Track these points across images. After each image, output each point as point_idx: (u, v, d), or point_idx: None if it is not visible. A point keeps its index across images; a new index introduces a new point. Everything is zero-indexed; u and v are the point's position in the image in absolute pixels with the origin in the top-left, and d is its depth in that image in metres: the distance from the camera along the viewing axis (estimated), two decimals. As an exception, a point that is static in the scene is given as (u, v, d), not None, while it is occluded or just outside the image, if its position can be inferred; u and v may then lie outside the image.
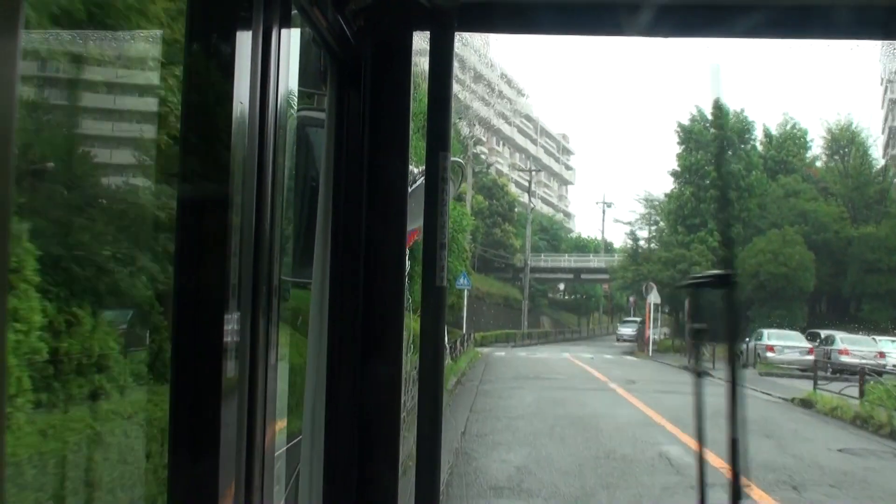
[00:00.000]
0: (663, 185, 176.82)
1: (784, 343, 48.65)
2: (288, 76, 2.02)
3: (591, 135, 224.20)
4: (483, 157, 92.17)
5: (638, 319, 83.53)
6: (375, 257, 2.61)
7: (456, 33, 2.56)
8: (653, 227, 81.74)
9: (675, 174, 72.42)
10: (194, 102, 1.80)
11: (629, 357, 59.54)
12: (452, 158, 2.57)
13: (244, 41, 1.75)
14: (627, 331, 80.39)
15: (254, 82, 1.80)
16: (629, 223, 79.95)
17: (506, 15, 2.70)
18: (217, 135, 1.73)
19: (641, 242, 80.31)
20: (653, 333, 64.38)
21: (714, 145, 66.34)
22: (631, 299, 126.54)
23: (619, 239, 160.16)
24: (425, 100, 2.52)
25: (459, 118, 70.43)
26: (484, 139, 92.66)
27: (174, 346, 1.76)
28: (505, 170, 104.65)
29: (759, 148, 71.16)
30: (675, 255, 67.46)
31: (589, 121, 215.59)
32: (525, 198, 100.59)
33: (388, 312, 2.64)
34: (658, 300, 61.75)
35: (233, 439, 1.74)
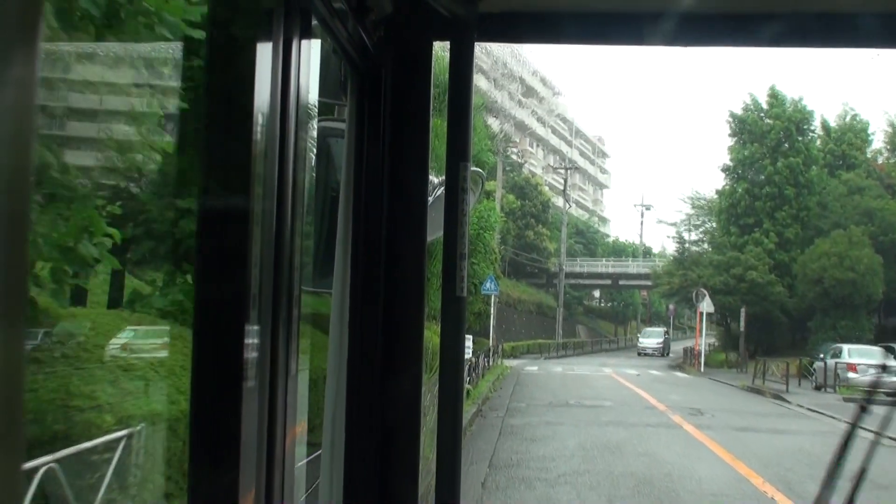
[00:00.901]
0: (710, 183, 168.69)
1: (867, 361, 40.09)
2: (308, 87, 2.03)
3: (627, 135, 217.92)
4: (514, 157, 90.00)
5: (661, 329, 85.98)
6: (396, 267, 2.62)
7: (476, 43, 2.58)
8: (700, 229, 77.04)
9: (726, 169, 66.92)
10: (215, 113, 1.84)
11: (679, 374, 54.84)
12: (472, 168, 2.57)
13: (265, 52, 1.77)
14: (650, 343, 78.62)
15: (274, 93, 1.81)
16: (674, 224, 72.23)
17: (525, 24, 2.72)
18: (238, 146, 1.75)
19: (689, 245, 74.92)
20: (703, 347, 58.91)
21: (771, 136, 61.73)
22: (670, 307, 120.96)
23: (658, 243, 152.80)
24: (445, 109, 2.49)
25: (493, 116, 69.86)
26: (517, 139, 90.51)
27: (195, 356, 1.76)
28: (538, 171, 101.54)
29: (817, 141, 64.56)
30: (728, 258, 61.70)
31: (625, 121, 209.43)
32: (559, 201, 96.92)
33: (408, 322, 2.65)
34: (711, 308, 58.08)
35: (253, 449, 1.76)
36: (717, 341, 59.19)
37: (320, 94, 2.61)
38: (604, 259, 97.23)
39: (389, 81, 2.59)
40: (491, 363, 41.72)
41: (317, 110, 2.64)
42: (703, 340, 56.28)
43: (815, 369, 40.47)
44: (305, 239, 2.32)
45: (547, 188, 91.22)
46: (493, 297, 46.58)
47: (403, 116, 2.61)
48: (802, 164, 61.38)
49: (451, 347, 2.55)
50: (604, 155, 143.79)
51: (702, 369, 53.51)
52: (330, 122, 2.79)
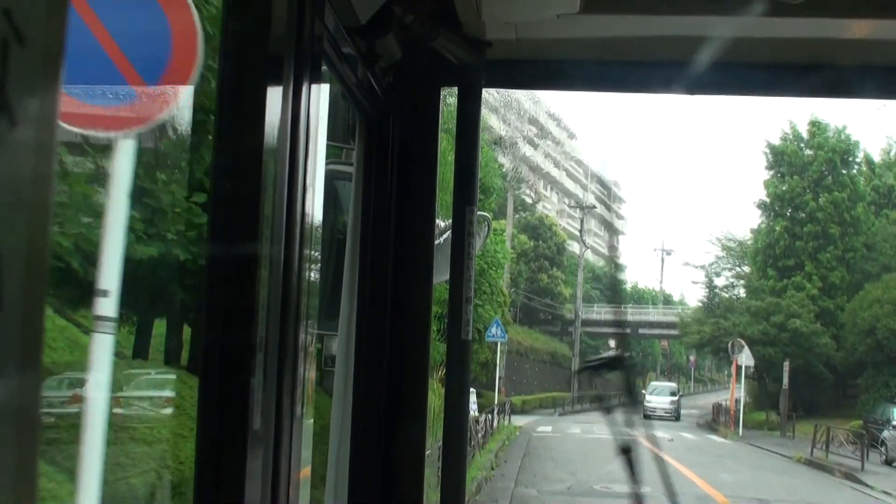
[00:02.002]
0: (739, 224, 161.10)
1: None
2: (317, 130, 2.13)
3: (644, 179, 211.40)
4: (528, 198, 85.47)
5: (672, 384, 73.63)
6: (402, 310, 2.70)
7: (483, 89, 2.72)
8: (731, 272, 70.48)
9: (762, 205, 61.49)
10: (225, 156, 1.90)
11: (715, 437, 48.06)
12: (479, 212, 2.67)
13: (275, 96, 1.86)
14: (660, 403, 62.21)
15: (283, 136, 1.90)
16: (701, 267, 64.50)
17: (532, 72, 2.84)
18: (247, 189, 1.82)
19: (719, 290, 68.41)
20: (739, 405, 52.08)
21: (813, 168, 57.56)
22: (691, 358, 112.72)
23: (677, 290, 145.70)
24: (452, 154, 2.65)
25: (504, 154, 67.74)
26: (529, 180, 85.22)
27: (201, 398, 1.85)
28: (552, 214, 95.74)
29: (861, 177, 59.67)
30: (767, 304, 55.47)
31: (641, 164, 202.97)
32: (573, 247, 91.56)
33: (414, 365, 2.72)
34: (751, 361, 51.84)
35: (257, 493, 1.81)
36: (749, 397, 55.41)
37: (329, 138, 2.58)
38: (622, 306, 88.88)
39: (398, 126, 2.68)
40: (497, 423, 36.91)
41: (325, 153, 2.53)
42: (739, 397, 52.02)
43: (884, 438, 32.61)
44: (313, 282, 2.34)
45: (561, 230, 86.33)
46: (499, 344, 41.41)
47: (411, 161, 2.68)
48: (848, 200, 56.56)
49: (457, 391, 2.62)
50: (619, 200, 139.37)
51: (740, 433, 47.93)
52: (338, 165, 2.87)
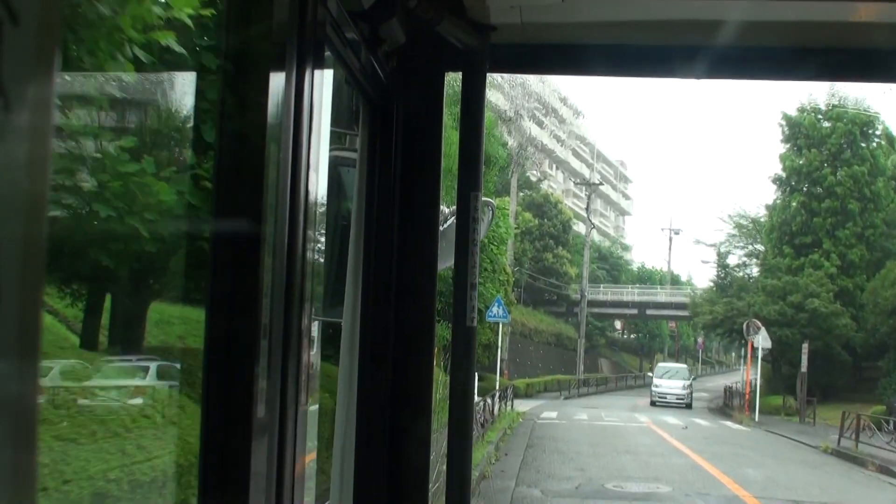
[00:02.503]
0: (751, 201, 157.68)
1: None
2: (321, 116, 2.14)
3: (651, 157, 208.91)
4: (533, 178, 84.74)
5: (682, 366, 65.29)
6: (406, 297, 2.72)
7: (487, 74, 2.72)
8: (744, 251, 68.69)
9: (778, 180, 58.96)
10: (228, 143, 1.91)
11: (731, 424, 44.72)
12: (483, 198, 2.69)
13: (278, 82, 1.86)
14: (670, 388, 56.86)
15: (286, 122, 1.90)
16: (713, 245, 61.61)
17: (537, 56, 2.85)
18: (250, 175, 1.83)
19: (732, 269, 66.36)
20: (755, 389, 48.86)
21: (831, 141, 55.47)
22: (699, 340, 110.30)
23: (685, 271, 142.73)
24: (457, 139, 2.66)
25: (508, 132, 64.62)
26: (534, 156, 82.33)
27: (205, 386, 1.85)
28: (558, 192, 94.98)
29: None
30: (784, 283, 53.13)
31: (649, 143, 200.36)
32: (579, 227, 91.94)
33: (419, 352, 2.74)
34: (768, 343, 48.60)
35: (262, 481, 1.82)
36: (762, 381, 50.93)
37: (333, 124, 2.65)
38: (629, 286, 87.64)
39: (401, 111, 2.69)
40: (498, 410, 34.51)
41: (329, 139, 2.69)
42: (753, 380, 49.27)
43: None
44: (317, 268, 2.49)
45: (567, 208, 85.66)
46: (501, 325, 39.18)
47: (415, 146, 2.70)
48: (868, 175, 54.45)
49: (462, 377, 2.64)
50: (626, 180, 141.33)
51: (755, 417, 45.62)
52: (342, 151, 2.86)
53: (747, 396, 48.86)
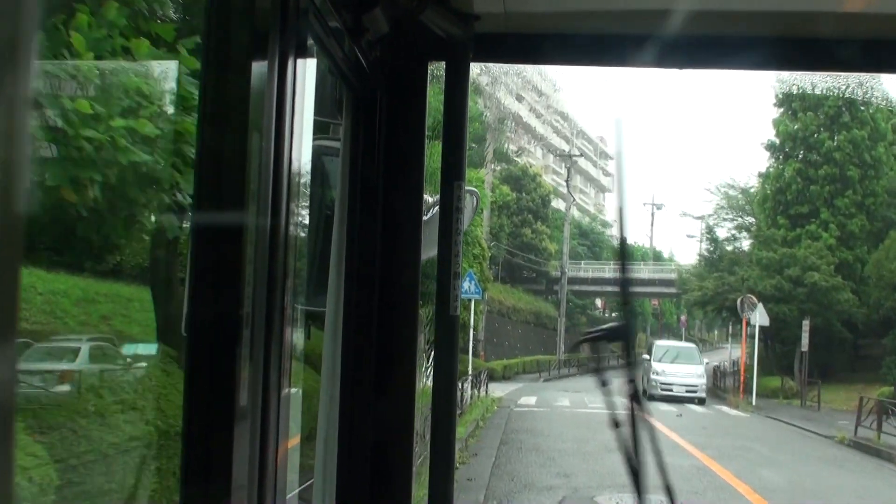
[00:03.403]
0: (740, 172, 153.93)
1: None
2: (304, 106, 2.14)
3: (633, 131, 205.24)
4: (511, 150, 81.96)
5: (692, 346, 53.54)
6: (390, 286, 2.75)
7: (471, 63, 2.75)
8: (732, 224, 64.03)
9: (771, 147, 54.82)
10: (210, 131, 1.93)
11: (727, 410, 41.27)
12: (467, 188, 2.73)
13: (260, 71, 1.90)
14: (682, 379, 43.00)
15: (269, 112, 1.93)
16: (701, 218, 57.76)
17: (519, 46, 2.87)
18: (233, 164, 1.85)
19: (722, 242, 61.98)
20: (751, 370, 45.18)
21: (829, 103, 51.54)
22: (682, 318, 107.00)
23: (668, 247, 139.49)
24: (440, 129, 2.72)
25: (485, 105, 62.17)
26: (513, 134, 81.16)
27: (187, 374, 1.87)
28: (537, 165, 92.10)
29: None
30: (780, 256, 49.36)
31: (631, 116, 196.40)
32: (558, 204, 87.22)
33: (402, 341, 2.78)
34: (766, 320, 44.86)
35: (245, 468, 1.85)
36: (751, 360, 48.16)
37: (316, 113, 2.67)
38: (611, 263, 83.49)
39: (385, 101, 2.73)
40: (470, 397, 31.55)
41: (312, 129, 2.73)
42: (747, 360, 46.39)
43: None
44: (300, 257, 2.53)
45: (547, 182, 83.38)
46: (476, 303, 37.84)
47: (398, 135, 2.73)
48: (868, 139, 51.08)
49: (446, 366, 2.68)
50: (606, 156, 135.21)
51: (752, 401, 42.38)
52: (325, 140, 2.90)
53: (742, 378, 44.89)
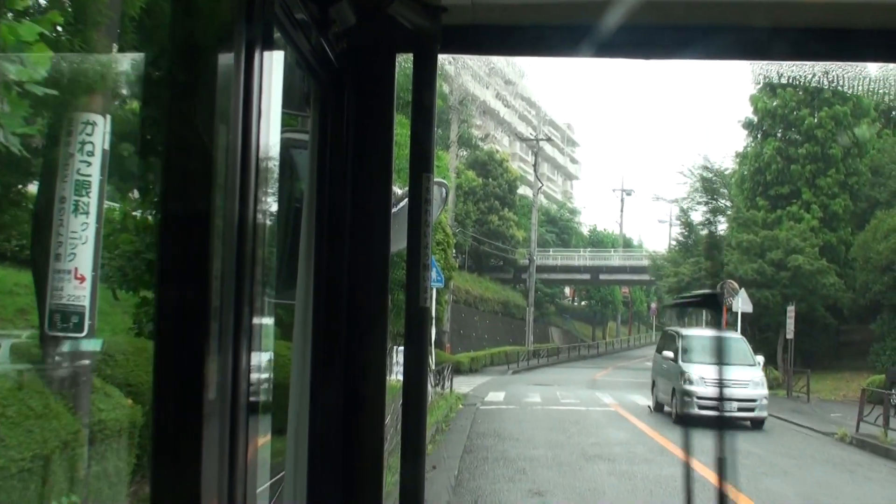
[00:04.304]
0: (720, 150, 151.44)
1: None
2: (271, 98, 2.14)
3: (602, 114, 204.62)
4: (476, 134, 78.55)
5: (737, 337, 35.07)
6: (359, 279, 2.77)
7: (439, 55, 2.77)
8: (708, 206, 59.44)
9: (749, 125, 52.44)
10: (177, 124, 1.94)
11: None
12: (436, 179, 2.72)
13: (227, 63, 1.90)
14: (734, 388, 27.72)
15: (236, 104, 1.93)
16: (675, 201, 55.26)
17: (488, 37, 2.87)
18: (200, 158, 1.85)
19: (698, 226, 58.98)
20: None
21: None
22: (652, 306, 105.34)
23: (637, 233, 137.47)
24: (408, 121, 2.74)
25: (450, 93, 60.19)
26: (477, 119, 79.45)
27: (156, 370, 1.88)
28: (504, 150, 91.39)
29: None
30: (762, 238, 46.83)
31: (600, 98, 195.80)
32: (525, 191, 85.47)
33: (372, 333, 2.78)
34: (749, 307, 41.50)
35: (215, 464, 1.84)
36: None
37: (284, 106, 2.63)
38: (581, 250, 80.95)
39: (352, 93, 2.75)
40: (432, 396, 28.94)
41: (280, 122, 2.59)
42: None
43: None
44: (269, 250, 2.40)
45: (514, 168, 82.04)
46: (438, 293, 34.88)
47: (366, 128, 2.75)
48: (851, 116, 48.80)
49: (416, 357, 2.71)
50: (573, 143, 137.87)
51: None
52: (293, 133, 2.92)
53: (722, 368, 41.94)
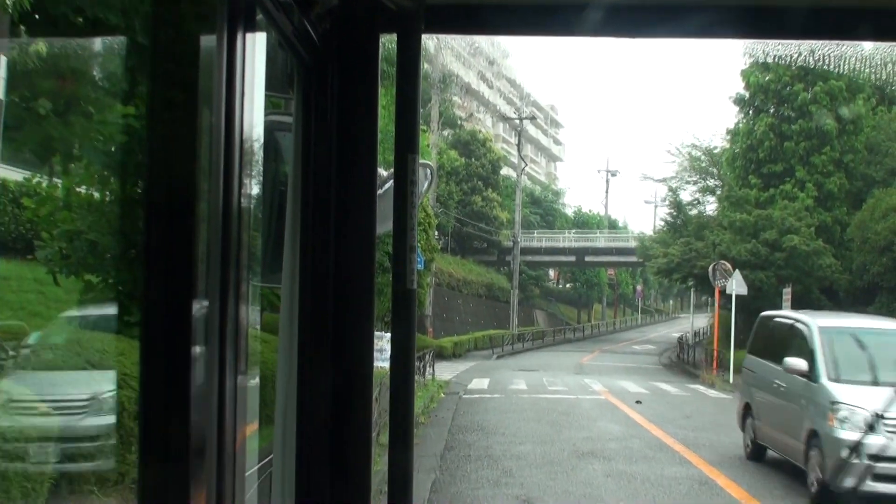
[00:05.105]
0: (710, 128, 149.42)
1: None
2: (254, 80, 2.17)
3: (587, 93, 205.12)
4: (459, 114, 77.94)
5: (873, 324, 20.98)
6: (345, 262, 2.75)
7: (423, 35, 2.75)
8: (695, 188, 58.57)
9: (740, 101, 50.30)
10: (159, 106, 1.93)
11: (703, 389, 36.00)
12: (421, 161, 2.71)
13: (209, 45, 1.90)
14: None
15: (219, 87, 1.93)
16: (663, 180, 53.89)
17: (472, 16, 2.85)
18: (183, 140, 1.85)
19: (687, 206, 56.75)
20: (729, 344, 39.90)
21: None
22: (638, 288, 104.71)
23: (623, 215, 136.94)
24: (393, 102, 2.73)
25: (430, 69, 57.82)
26: (459, 98, 78.39)
27: (143, 353, 1.86)
28: (486, 129, 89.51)
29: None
30: (755, 218, 45.10)
31: (585, 76, 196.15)
32: (508, 173, 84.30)
33: (359, 317, 2.77)
34: (744, 289, 39.66)
35: (203, 448, 1.85)
36: (720, 332, 43.19)
37: (267, 88, 2.62)
38: (566, 232, 79.88)
39: (336, 75, 2.73)
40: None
41: (263, 104, 2.62)
42: (703, 329, 50.18)
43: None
44: (253, 235, 2.52)
45: (498, 148, 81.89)
46: (421, 276, 32.30)
47: (351, 110, 2.73)
48: (846, 91, 46.90)
49: (403, 340, 2.68)
50: (557, 125, 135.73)
51: (729, 378, 37.22)
52: (277, 115, 2.92)
53: (715, 352, 40.54)
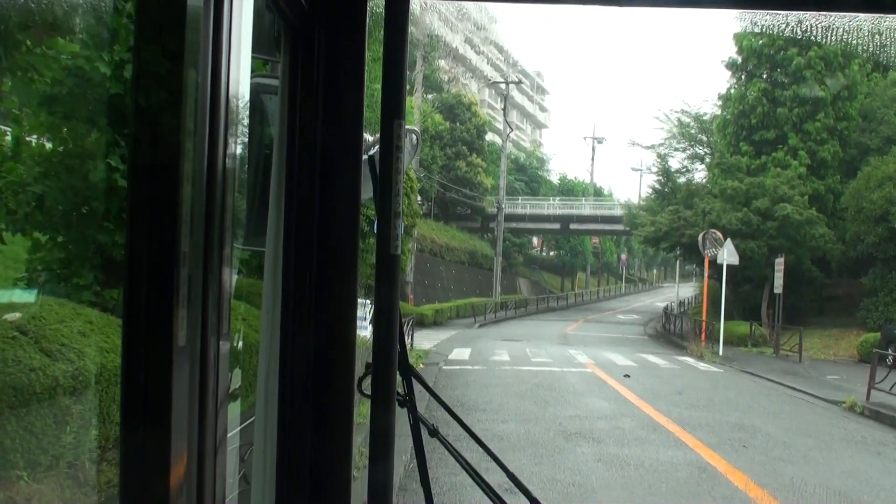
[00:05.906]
0: (699, 93, 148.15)
1: None
2: (241, 42, 2.15)
3: (574, 56, 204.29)
4: (444, 78, 76.82)
5: None
6: (329, 226, 2.79)
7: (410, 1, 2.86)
8: (683, 155, 58.25)
9: (733, 65, 48.79)
10: (145, 68, 1.92)
11: (693, 361, 34.64)
12: (408, 127, 2.75)
13: (195, 5, 1.88)
14: None
15: (205, 48, 1.92)
16: (651, 147, 52.91)
17: None
18: (168, 101, 1.86)
19: (676, 174, 49.86)
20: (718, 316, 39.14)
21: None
22: (622, 257, 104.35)
23: (608, 183, 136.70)
24: (380, 66, 2.78)
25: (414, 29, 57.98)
26: (446, 66, 77.16)
27: (125, 315, 1.89)
28: (472, 93, 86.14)
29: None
30: (747, 185, 44.21)
31: (572, 41, 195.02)
32: (493, 139, 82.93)
33: (342, 281, 2.81)
34: (735, 258, 39.13)
35: (185, 410, 1.88)
36: (707, 302, 43.13)
37: (254, 50, 2.60)
38: (551, 198, 79.19)
39: (323, 38, 2.75)
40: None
41: (250, 66, 2.63)
42: (690, 299, 51.84)
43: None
44: (238, 197, 2.43)
45: (483, 112, 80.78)
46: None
47: (337, 74, 2.76)
48: (842, 56, 46.06)
49: (386, 304, 2.74)
50: (543, 91, 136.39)
51: (719, 350, 37.01)
52: (263, 78, 2.94)
53: (704, 323, 39.88)
